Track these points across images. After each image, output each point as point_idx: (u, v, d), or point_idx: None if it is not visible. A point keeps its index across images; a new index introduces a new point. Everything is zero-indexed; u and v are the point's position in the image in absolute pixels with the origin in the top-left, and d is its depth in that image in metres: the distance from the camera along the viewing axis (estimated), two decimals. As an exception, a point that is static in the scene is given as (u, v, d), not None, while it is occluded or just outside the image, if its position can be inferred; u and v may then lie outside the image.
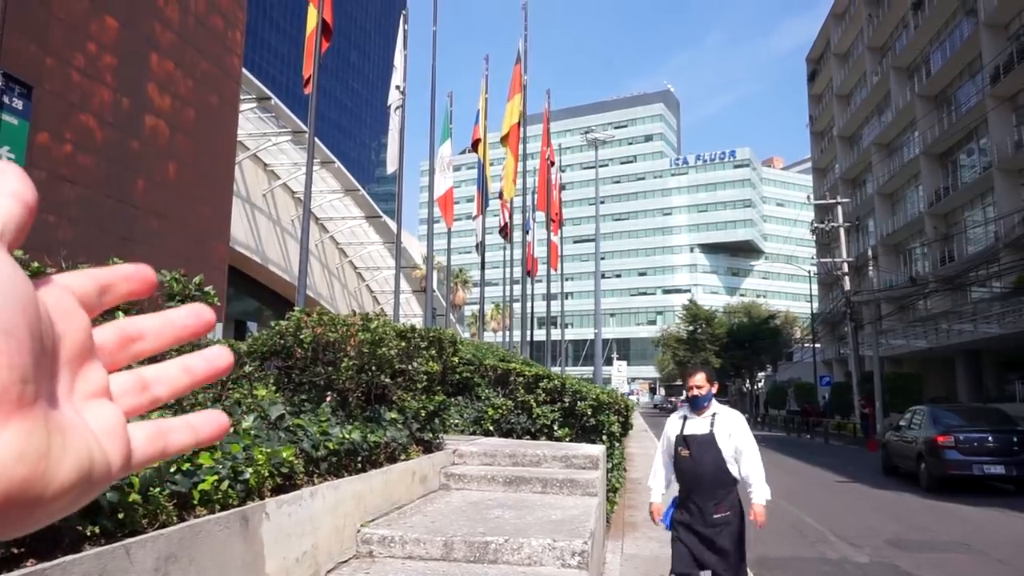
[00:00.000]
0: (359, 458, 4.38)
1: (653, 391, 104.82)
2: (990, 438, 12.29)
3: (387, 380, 5.57)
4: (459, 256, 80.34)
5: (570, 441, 7.74)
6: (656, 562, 6.35)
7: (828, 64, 56.43)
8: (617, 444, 8.02)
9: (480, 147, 21.97)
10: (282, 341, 5.39)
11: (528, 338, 34.15)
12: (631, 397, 72.35)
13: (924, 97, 39.38)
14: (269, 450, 3.34)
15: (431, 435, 5.87)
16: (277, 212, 24.47)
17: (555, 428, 7.90)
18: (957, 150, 37.30)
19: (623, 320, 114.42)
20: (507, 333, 27.70)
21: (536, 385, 8.16)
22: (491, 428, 8.37)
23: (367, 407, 5.50)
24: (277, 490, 3.41)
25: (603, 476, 6.44)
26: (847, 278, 30.83)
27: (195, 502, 2.75)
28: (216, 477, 2.82)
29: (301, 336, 4.84)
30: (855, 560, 7.41)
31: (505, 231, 22.84)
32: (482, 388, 8.66)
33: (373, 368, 5.35)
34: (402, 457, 5.22)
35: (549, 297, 25.27)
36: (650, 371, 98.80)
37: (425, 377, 5.87)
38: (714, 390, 4.59)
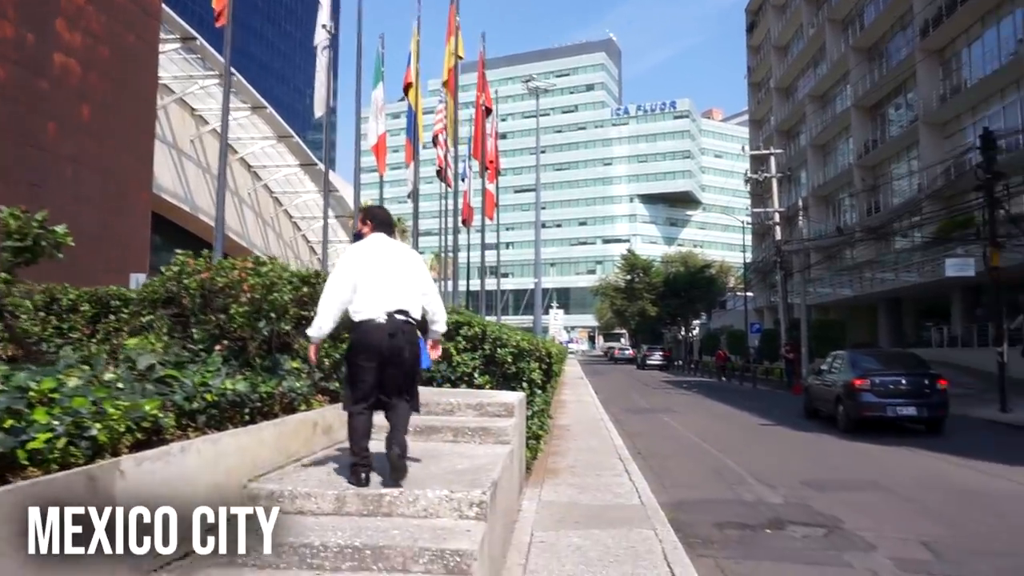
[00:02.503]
0: (247, 410, 4.09)
1: (592, 340, 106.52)
2: (903, 381, 12.73)
3: (288, 328, 5.27)
4: (397, 206, 79.04)
5: (490, 389, 7.59)
6: (573, 507, 6.31)
7: (766, 15, 56.62)
8: (539, 391, 7.91)
9: (411, 92, 21.22)
10: (173, 288, 5.02)
11: (466, 287, 33.98)
12: (569, 345, 73.28)
13: (857, 50, 39.90)
14: (128, 403, 3.04)
15: (338, 384, 5.61)
16: (207, 159, 23.39)
17: (475, 376, 7.72)
18: (886, 103, 38.08)
19: (563, 270, 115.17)
20: (443, 283, 27.38)
21: (456, 332, 7.94)
22: (411, 377, 8.15)
23: (268, 356, 5.20)
24: (139, 446, 3.12)
25: (519, 424, 6.32)
26: (778, 228, 31.45)
27: (23, 462, 2.44)
28: (50, 434, 2.51)
29: (186, 282, 4.48)
30: (770, 501, 7.54)
31: (443, 174, 22.23)
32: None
33: (272, 315, 5.04)
34: (302, 408, 4.96)
35: (484, 247, 25.00)
36: (590, 320, 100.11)
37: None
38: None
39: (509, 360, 7.55)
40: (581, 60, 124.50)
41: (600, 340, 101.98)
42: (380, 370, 3.99)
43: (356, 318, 4.05)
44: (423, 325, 4.31)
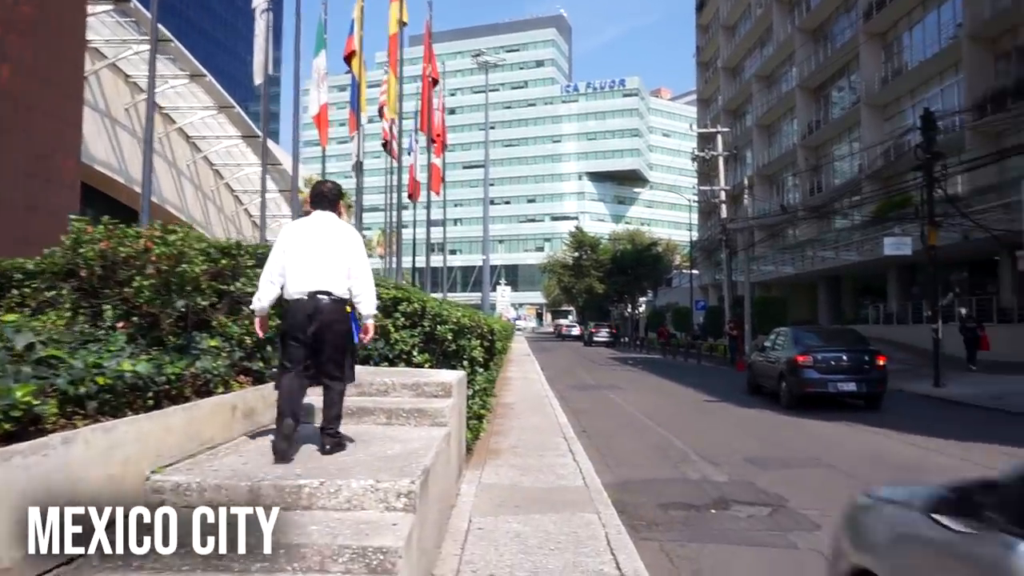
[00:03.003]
0: (150, 394, 3.69)
1: (540, 317, 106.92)
2: (844, 357, 12.88)
3: (206, 303, 4.85)
4: (342, 181, 77.45)
5: (430, 368, 7.28)
6: (513, 491, 6.07)
7: (715, -7, 56.82)
8: (480, 370, 7.63)
9: (355, 61, 20.51)
10: (74, 259, 4.55)
11: (411, 264, 33.41)
12: (517, 323, 73.18)
13: (803, 31, 40.33)
14: (-5, 388, 2.63)
15: (262, 364, 5.22)
16: (143, 129, 22.16)
17: (414, 354, 7.39)
18: (830, 85, 38.66)
19: (512, 247, 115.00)
20: (389, 259, 26.76)
21: (395, 309, 7.59)
22: (347, 355, 7.79)
23: (183, 334, 4.78)
24: (10, 439, 2.72)
25: (458, 404, 6.03)
26: (724, 206, 31.72)
27: None
28: None
29: (83, 252, 4.03)
30: (714, 479, 7.44)
31: (389, 147, 21.57)
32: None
33: (188, 288, 4.61)
34: (219, 390, 4.56)
35: (429, 222, 24.52)
36: (538, 297, 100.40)
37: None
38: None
39: (449, 338, 7.24)
40: (531, 36, 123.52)
41: (548, 317, 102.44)
42: (307, 345, 4.13)
43: (284, 295, 4.21)
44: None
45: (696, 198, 51.99)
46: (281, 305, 4.33)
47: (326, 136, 20.49)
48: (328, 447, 4.20)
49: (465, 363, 7.30)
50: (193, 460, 3.90)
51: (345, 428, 5.16)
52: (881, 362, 12.90)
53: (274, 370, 5.46)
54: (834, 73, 37.57)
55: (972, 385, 16.66)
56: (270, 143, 30.58)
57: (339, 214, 4.48)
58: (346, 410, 5.31)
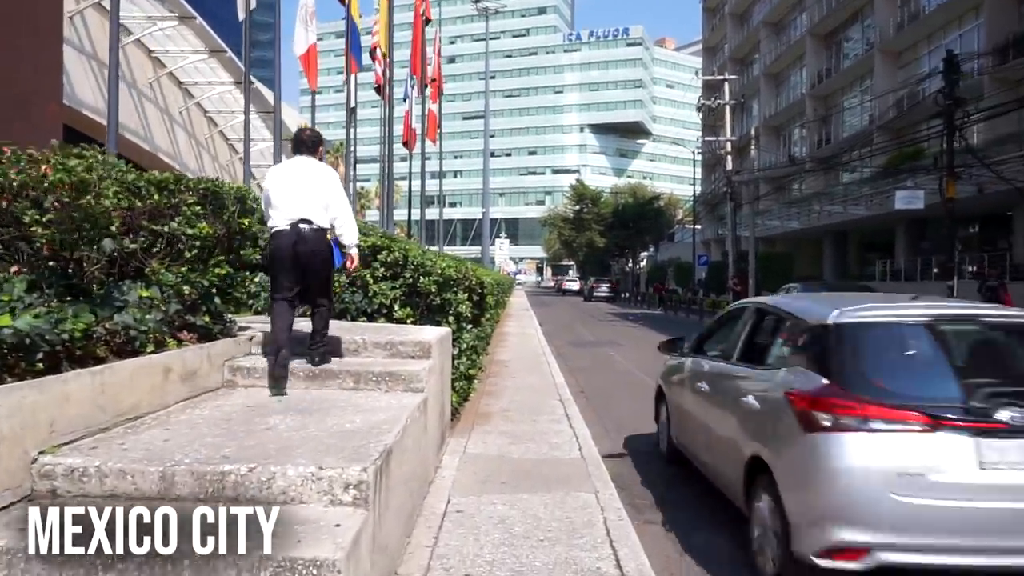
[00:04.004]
0: (39, 355, 2.96)
1: (540, 271, 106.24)
2: (858, 315, 12.15)
3: (132, 246, 4.09)
4: (339, 131, 75.84)
5: (413, 323, 6.57)
6: (501, 463, 5.41)
7: (724, -65, 54.62)
8: (468, 326, 6.91)
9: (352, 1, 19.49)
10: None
11: (407, 216, 32.49)
12: (517, 277, 72.60)
13: (815, -27, 38.64)
14: None
15: (208, 319, 4.48)
16: (132, 73, 21.14)
17: (395, 308, 6.67)
18: (842, 31, 37.19)
19: (512, 200, 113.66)
20: (384, 211, 25.94)
21: (374, 257, 6.84)
22: (322, 309, 7.08)
23: (108, 282, 4.04)
24: None
25: (439, 365, 5.32)
26: (729, 158, 30.68)
27: None
28: None
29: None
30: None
31: (382, 91, 20.53)
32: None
33: (91, 228, 3.84)
34: (148, 349, 3.83)
35: (424, 171, 23.58)
36: (538, 251, 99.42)
37: (197, 244, 4.42)
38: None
39: (433, 290, 6.50)
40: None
41: (548, 272, 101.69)
42: (292, 272, 4.42)
43: (270, 228, 4.48)
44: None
45: (700, 151, 50.81)
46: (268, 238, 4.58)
47: (315, 79, 19.43)
48: (317, 359, 4.59)
49: (451, 319, 6.58)
50: (104, 435, 3.19)
51: (305, 392, 4.49)
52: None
53: (228, 323, 4.78)
54: (847, 19, 36.08)
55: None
56: (264, 89, 29.53)
57: (320, 159, 4.75)
58: (308, 372, 4.63)
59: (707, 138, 39.69)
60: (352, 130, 21.84)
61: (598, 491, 4.71)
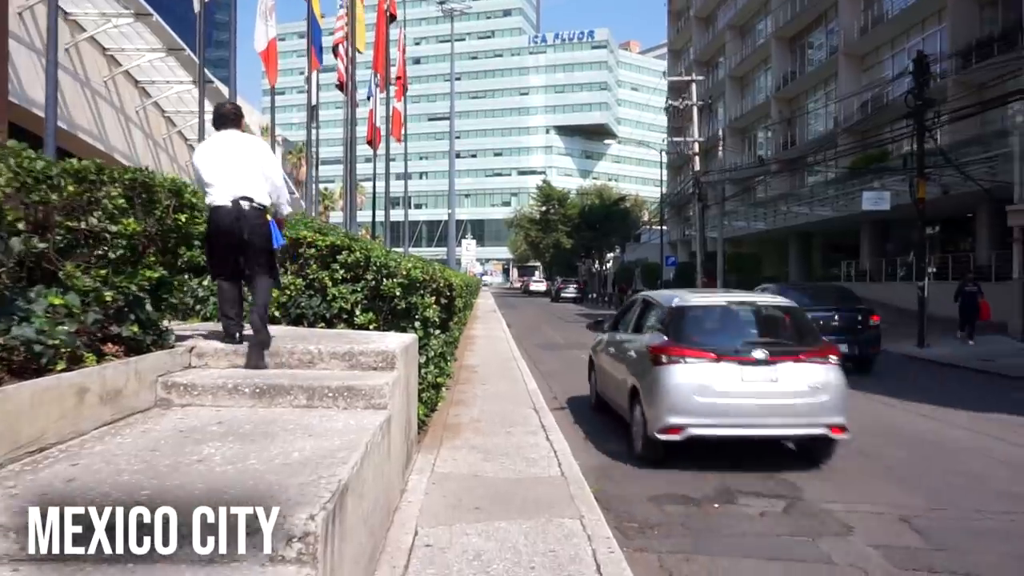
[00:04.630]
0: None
1: (507, 272, 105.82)
2: (836, 317, 11.89)
3: (42, 245, 3.50)
4: (301, 133, 74.52)
5: (375, 329, 6.03)
6: (474, 483, 4.90)
7: (689, -62, 54.83)
8: (435, 332, 6.39)
9: (311, -9, 18.81)
10: None
11: (371, 217, 31.73)
12: (484, 278, 72.02)
13: (780, -24, 38.86)
14: None
15: (138, 329, 3.89)
16: (85, 72, 20.22)
17: (356, 313, 6.14)
18: (806, 34, 37.44)
19: (478, 201, 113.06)
20: (348, 212, 25.25)
21: (333, 258, 6.29)
22: (276, 314, 6.49)
23: (15, 289, 3.44)
24: None
25: (405, 377, 4.79)
26: (697, 158, 30.56)
27: None
28: None
29: None
30: (712, 459, 6.36)
31: (345, 88, 19.93)
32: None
33: (24, 225, 3.27)
34: (59, 367, 3.24)
35: (389, 172, 22.93)
36: (504, 252, 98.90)
37: (123, 243, 3.83)
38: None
39: (398, 293, 5.97)
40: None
41: (514, 273, 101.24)
42: (233, 250, 4.38)
43: (209, 205, 4.38)
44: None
45: (667, 151, 50.85)
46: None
47: (275, 74, 18.82)
48: (259, 344, 4.40)
49: (417, 324, 6.05)
50: (-9, 474, 2.62)
51: (251, 412, 3.92)
52: (874, 321, 11.98)
53: (164, 333, 4.20)
54: (811, 22, 36.34)
55: (955, 346, 15.96)
56: (223, 88, 28.58)
57: (243, 132, 4.69)
58: (255, 387, 4.07)
59: (674, 139, 39.55)
60: (315, 130, 21.14)
61: (583, 516, 4.23)
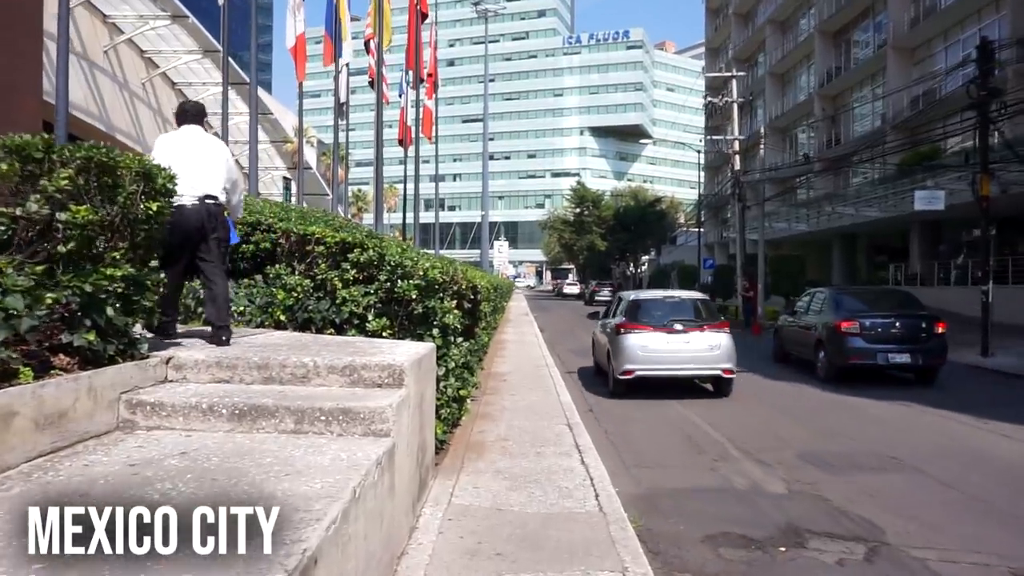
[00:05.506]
0: None
1: (540, 274, 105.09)
2: (897, 324, 10.91)
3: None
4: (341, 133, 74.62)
5: (389, 337, 5.36)
6: (496, 518, 4.18)
7: (728, -67, 53.56)
8: (457, 341, 5.71)
9: (334, -24, 18.38)
10: None
11: (402, 219, 31.25)
12: (517, 280, 71.38)
13: (824, -30, 37.54)
14: None
15: (94, 337, 3.25)
16: (124, 74, 20.25)
17: (369, 318, 5.47)
18: (852, 28, 36.07)
19: (511, 203, 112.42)
20: (376, 209, 24.77)
21: (343, 257, 5.65)
22: (282, 318, 5.88)
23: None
24: None
25: (416, 396, 4.09)
26: (737, 157, 29.44)
27: None
28: None
29: None
30: (770, 490, 5.58)
31: (374, 84, 19.40)
32: (281, 261, 6.16)
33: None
34: (-21, 385, 2.60)
35: (418, 172, 22.32)
36: (537, 255, 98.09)
37: (77, 233, 3.19)
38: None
39: (414, 296, 5.28)
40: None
41: (548, 275, 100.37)
42: (192, 246, 4.43)
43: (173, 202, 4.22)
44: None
45: (705, 150, 49.67)
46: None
47: (303, 70, 18.36)
48: (224, 337, 4.34)
49: (436, 332, 5.36)
50: None
51: (225, 438, 3.26)
52: (940, 330, 10.95)
53: (133, 341, 3.56)
54: (857, 15, 34.94)
55: (1021, 355, 14.78)
56: (263, 92, 28.46)
57: (205, 129, 4.81)
58: (234, 408, 3.40)
59: (713, 137, 38.43)
60: (346, 131, 20.65)
61: (627, 568, 3.48)
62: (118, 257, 3.44)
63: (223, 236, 4.58)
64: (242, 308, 6.12)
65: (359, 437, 3.31)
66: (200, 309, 6.26)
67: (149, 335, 4.05)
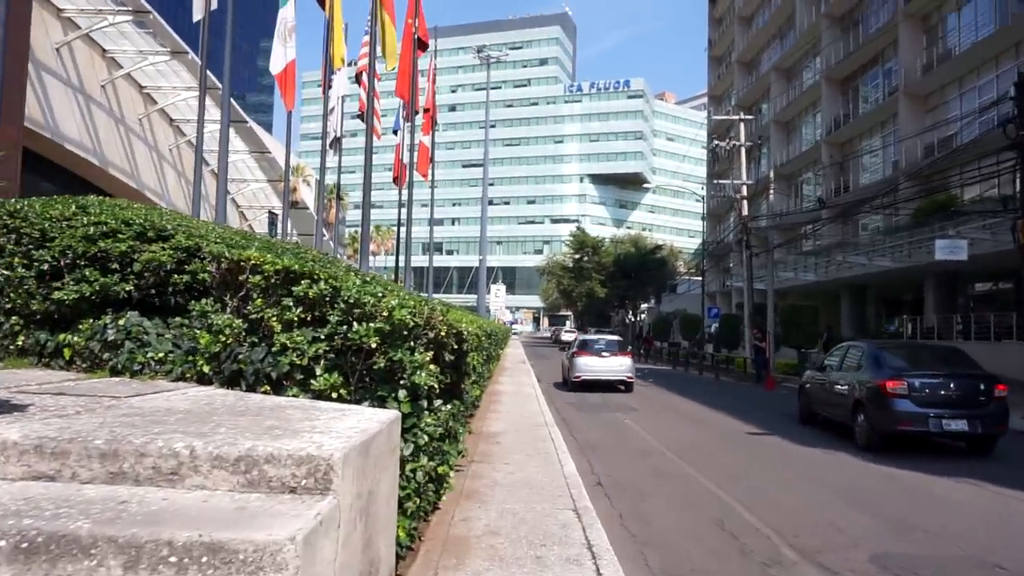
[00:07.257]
0: None
1: (537, 321, 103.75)
2: (951, 385, 9.48)
3: None
4: (335, 173, 73.93)
5: (342, 399, 3.96)
6: None
7: (731, -17, 53.66)
8: (434, 405, 4.30)
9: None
10: None
11: (395, 263, 29.98)
12: (514, 326, 69.88)
13: (830, 17, 37.15)
14: None
15: None
16: (121, 109, 19.43)
17: (316, 372, 4.08)
18: (860, 74, 35.43)
19: (510, 248, 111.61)
20: (361, 249, 23.43)
21: (287, 291, 4.27)
22: (206, 369, 4.50)
23: None
24: None
25: (354, 506, 2.67)
26: (745, 202, 28.36)
27: None
28: None
29: None
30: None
31: (364, 115, 18.37)
32: (210, 295, 4.82)
33: None
34: None
35: (411, 208, 21.07)
36: (535, 301, 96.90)
37: None
38: None
39: (374, 345, 3.88)
40: (535, 33, 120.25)
41: (545, 322, 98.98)
42: None
43: None
44: None
45: (709, 196, 48.81)
46: None
47: (292, 98, 17.25)
48: None
49: (402, 394, 3.94)
50: None
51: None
52: (1000, 392, 9.51)
53: None
54: (866, 62, 34.32)
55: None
56: (259, 130, 27.50)
57: None
58: (19, 542, 1.97)
59: (719, 181, 37.50)
60: (338, 168, 19.54)
61: None
62: None
63: None
64: (162, 354, 4.76)
65: (231, 598, 1.89)
66: (108, 355, 4.91)
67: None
